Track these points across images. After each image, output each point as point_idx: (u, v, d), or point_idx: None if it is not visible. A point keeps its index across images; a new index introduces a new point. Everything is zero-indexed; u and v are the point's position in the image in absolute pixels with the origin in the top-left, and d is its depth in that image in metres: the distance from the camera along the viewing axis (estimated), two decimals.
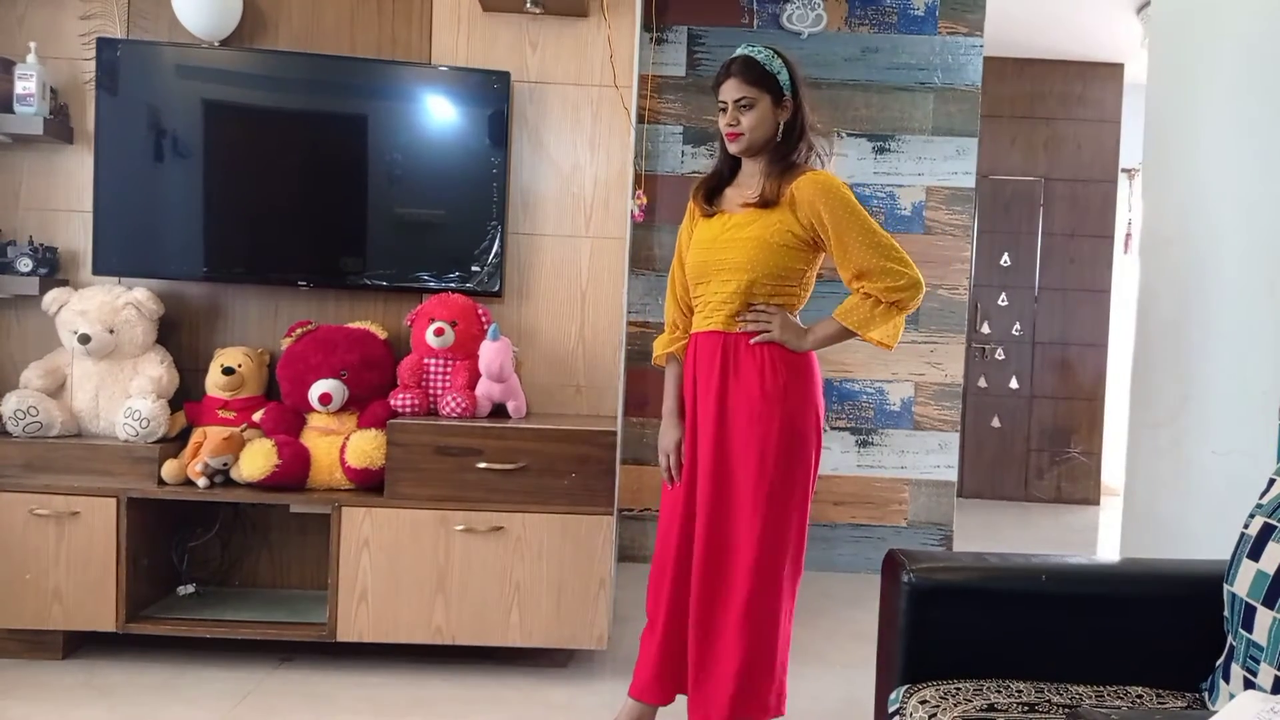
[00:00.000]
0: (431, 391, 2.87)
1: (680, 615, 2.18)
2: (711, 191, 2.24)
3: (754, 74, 2.12)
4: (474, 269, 2.95)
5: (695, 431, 2.18)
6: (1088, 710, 1.29)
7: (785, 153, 2.15)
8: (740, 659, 2.09)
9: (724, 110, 2.14)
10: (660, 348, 2.33)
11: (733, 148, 2.15)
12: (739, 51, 2.15)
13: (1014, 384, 6.06)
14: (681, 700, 2.23)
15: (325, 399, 2.78)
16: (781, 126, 2.15)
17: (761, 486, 2.08)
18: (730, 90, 2.12)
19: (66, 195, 2.97)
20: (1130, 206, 6.24)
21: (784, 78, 2.14)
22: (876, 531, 4.17)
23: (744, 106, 2.11)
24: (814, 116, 2.21)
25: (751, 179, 2.19)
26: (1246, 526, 1.53)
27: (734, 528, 2.11)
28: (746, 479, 2.10)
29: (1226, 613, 1.54)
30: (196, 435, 2.78)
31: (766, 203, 2.12)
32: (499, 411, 2.89)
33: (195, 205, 2.89)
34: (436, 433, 2.69)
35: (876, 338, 2.13)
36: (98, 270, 2.85)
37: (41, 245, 2.89)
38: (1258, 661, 1.42)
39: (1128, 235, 6.22)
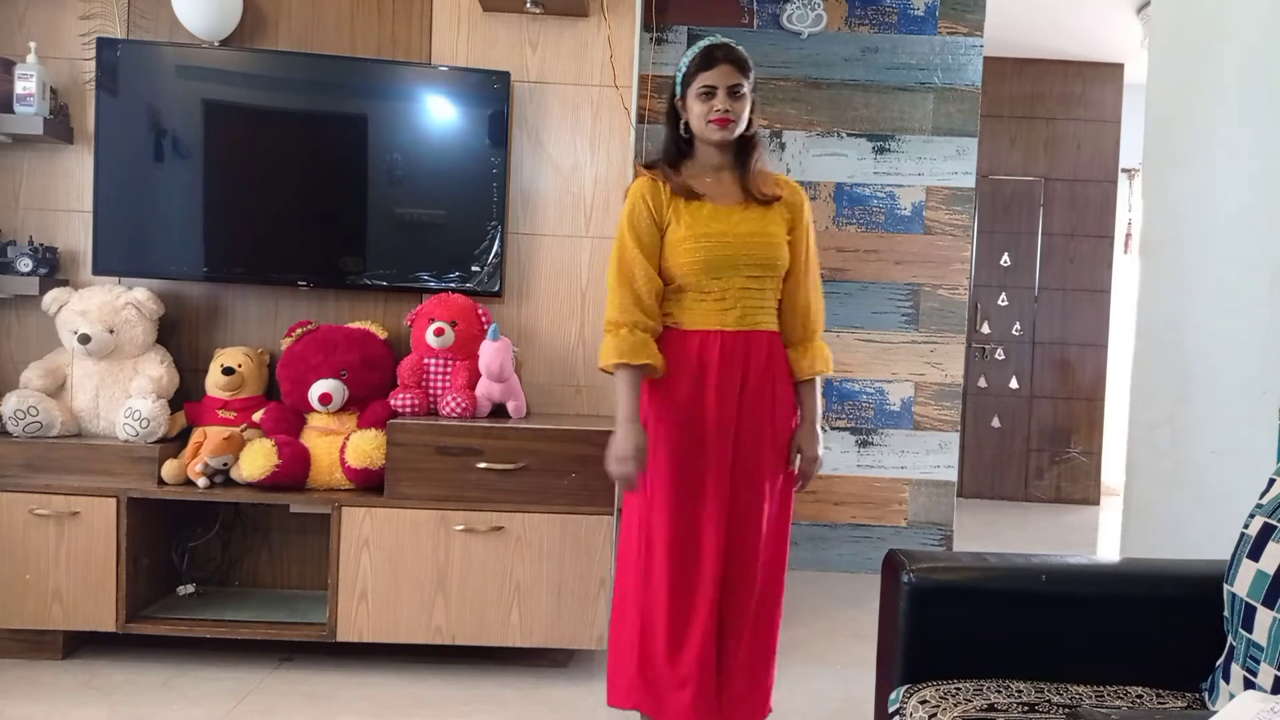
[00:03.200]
0: (431, 391, 2.87)
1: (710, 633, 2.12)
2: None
3: (744, 64, 2.13)
4: (474, 269, 2.95)
5: (719, 433, 2.10)
6: (1088, 710, 1.29)
7: (755, 148, 2.19)
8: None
9: (708, 96, 2.09)
10: (636, 353, 2.08)
11: (722, 134, 2.11)
12: (716, 40, 2.14)
13: (1014, 384, 6.06)
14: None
15: (325, 399, 2.78)
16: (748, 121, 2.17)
17: (780, 484, 2.17)
18: (725, 76, 2.09)
19: (66, 195, 2.97)
20: (1130, 206, 6.24)
21: (754, 75, 2.17)
22: (876, 531, 4.17)
23: (738, 94, 2.11)
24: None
25: (715, 171, 2.17)
26: (1246, 526, 1.53)
27: (760, 527, 2.15)
28: (774, 478, 2.15)
29: (1226, 613, 1.54)
30: (196, 435, 2.78)
31: (766, 200, 2.15)
32: (499, 411, 2.89)
33: (195, 205, 2.89)
34: (436, 433, 2.69)
35: (821, 368, 2.20)
36: (98, 270, 2.85)
37: (41, 245, 2.89)
38: (1258, 661, 1.42)
39: (1128, 235, 6.22)
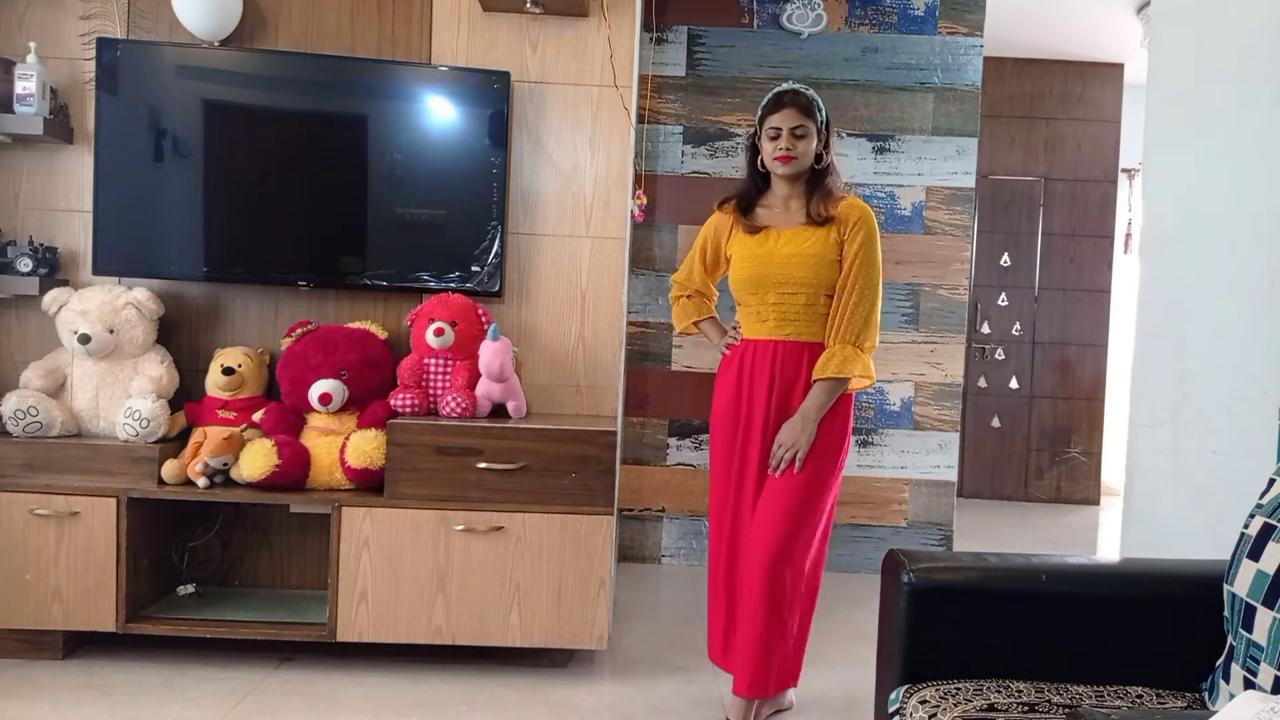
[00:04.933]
0: (431, 391, 2.87)
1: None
2: (746, 210, 2.50)
3: (808, 107, 2.41)
4: (474, 269, 2.95)
5: (749, 424, 2.46)
6: (1088, 710, 1.29)
7: (824, 178, 2.45)
8: None
9: (775, 136, 2.40)
10: (697, 314, 2.66)
11: (784, 169, 2.41)
12: (786, 86, 2.45)
13: (1014, 384, 6.06)
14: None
15: (325, 399, 2.78)
16: (817, 156, 2.44)
17: (813, 479, 2.42)
18: (788, 118, 2.39)
19: (66, 195, 2.97)
20: (1130, 206, 6.24)
21: (823, 115, 2.45)
22: (876, 531, 4.17)
23: (799, 134, 2.40)
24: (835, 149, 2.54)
25: (784, 200, 2.47)
26: (1246, 526, 1.53)
27: (776, 512, 2.40)
28: (806, 471, 2.40)
29: (1226, 613, 1.54)
30: (196, 435, 2.78)
31: (821, 220, 2.40)
32: (499, 411, 2.89)
33: (195, 205, 2.89)
34: (436, 433, 2.69)
35: (859, 372, 2.41)
36: (98, 270, 2.85)
37: (41, 245, 2.89)
38: (1258, 661, 1.42)
39: (1128, 235, 6.22)
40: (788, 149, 2.39)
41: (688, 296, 2.68)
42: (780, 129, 2.40)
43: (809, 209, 2.43)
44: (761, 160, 2.48)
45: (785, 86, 2.46)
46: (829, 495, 2.45)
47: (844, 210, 2.42)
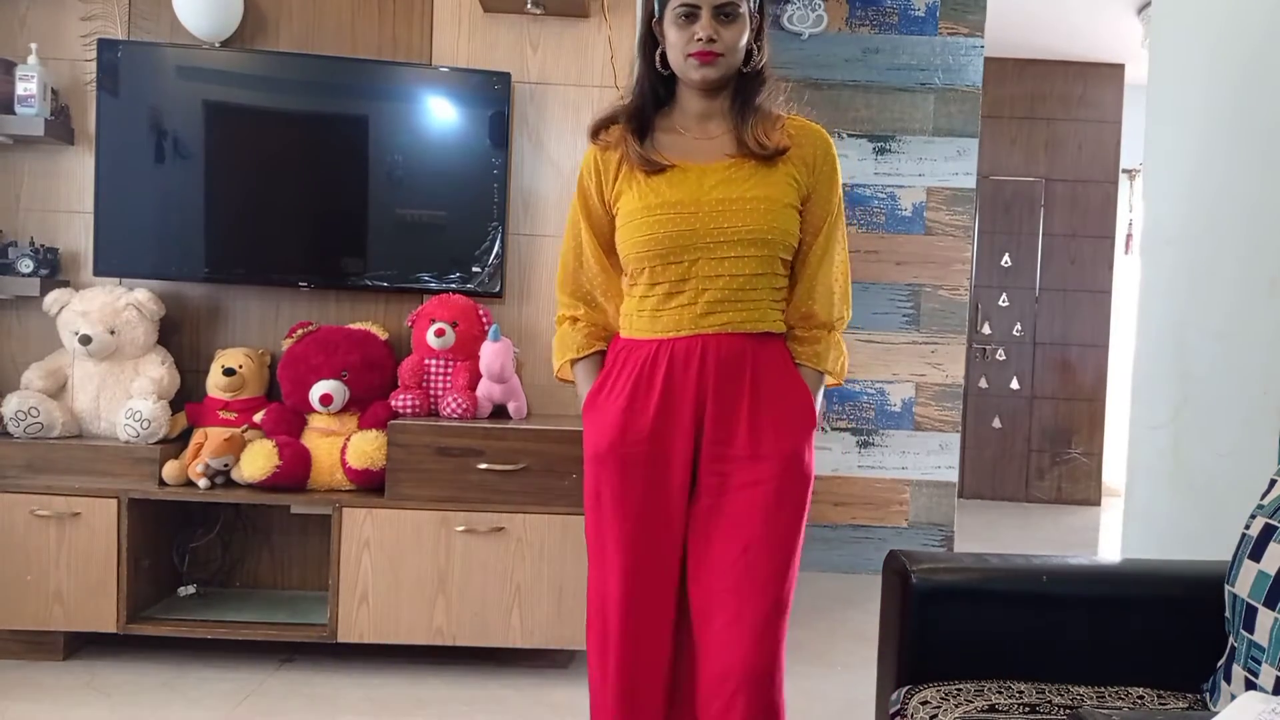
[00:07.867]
0: (432, 392, 2.87)
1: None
2: (640, 132, 1.68)
3: None
4: (475, 270, 2.95)
5: (691, 477, 1.67)
6: (1089, 711, 1.29)
7: (757, 87, 1.67)
8: None
9: (688, 17, 1.58)
10: (574, 349, 1.76)
11: (704, 73, 1.60)
12: None
13: (1015, 384, 6.06)
14: None
15: (326, 400, 2.78)
16: (747, 52, 1.65)
17: (784, 522, 1.68)
18: None
19: (67, 196, 2.98)
20: (1131, 207, 6.24)
21: None
22: (877, 532, 4.17)
23: (726, 16, 1.59)
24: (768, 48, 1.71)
25: (700, 120, 1.69)
26: (1247, 527, 1.53)
27: (731, 605, 1.64)
28: (764, 527, 1.65)
29: (1228, 613, 1.54)
30: (197, 436, 2.78)
31: (767, 154, 1.63)
32: (500, 412, 2.89)
33: (196, 206, 2.89)
34: (437, 433, 2.69)
35: (818, 364, 1.71)
36: (99, 271, 2.85)
37: (43, 246, 2.89)
38: (1259, 662, 1.42)
39: (1128, 236, 6.22)
40: (710, 39, 1.57)
41: (573, 319, 1.78)
42: (698, 7, 1.57)
43: (743, 136, 1.64)
44: (661, 56, 1.65)
45: None
46: (796, 561, 1.73)
47: (800, 138, 1.67)
